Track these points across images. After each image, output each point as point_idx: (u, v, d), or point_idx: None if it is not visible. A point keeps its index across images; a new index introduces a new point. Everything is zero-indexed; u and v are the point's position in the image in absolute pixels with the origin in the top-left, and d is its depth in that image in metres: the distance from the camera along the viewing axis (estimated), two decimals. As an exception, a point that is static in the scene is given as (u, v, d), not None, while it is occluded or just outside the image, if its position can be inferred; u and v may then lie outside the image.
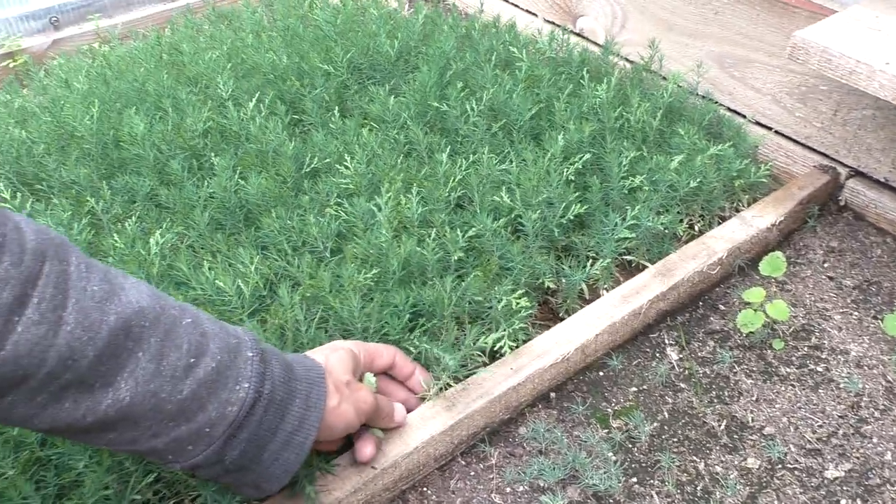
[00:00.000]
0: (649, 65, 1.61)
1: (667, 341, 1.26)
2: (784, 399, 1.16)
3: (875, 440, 1.10)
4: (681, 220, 1.38)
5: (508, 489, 1.05)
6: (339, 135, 1.43)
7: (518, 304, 1.14)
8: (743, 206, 1.46)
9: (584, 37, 1.94)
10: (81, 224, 1.23)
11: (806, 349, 1.24)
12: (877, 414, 1.13)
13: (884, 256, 1.39)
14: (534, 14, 2.07)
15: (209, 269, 1.13)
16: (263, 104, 1.48)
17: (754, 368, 1.21)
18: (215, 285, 1.10)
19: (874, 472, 1.06)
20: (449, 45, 1.60)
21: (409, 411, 1.06)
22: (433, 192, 1.26)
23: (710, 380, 1.20)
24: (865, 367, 1.20)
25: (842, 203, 1.50)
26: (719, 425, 1.13)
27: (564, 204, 1.25)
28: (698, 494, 1.04)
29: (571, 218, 1.25)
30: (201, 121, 1.43)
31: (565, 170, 1.28)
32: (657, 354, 1.24)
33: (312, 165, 1.36)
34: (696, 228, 1.42)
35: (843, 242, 1.43)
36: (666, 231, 1.33)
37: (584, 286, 1.28)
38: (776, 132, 1.58)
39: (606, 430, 1.12)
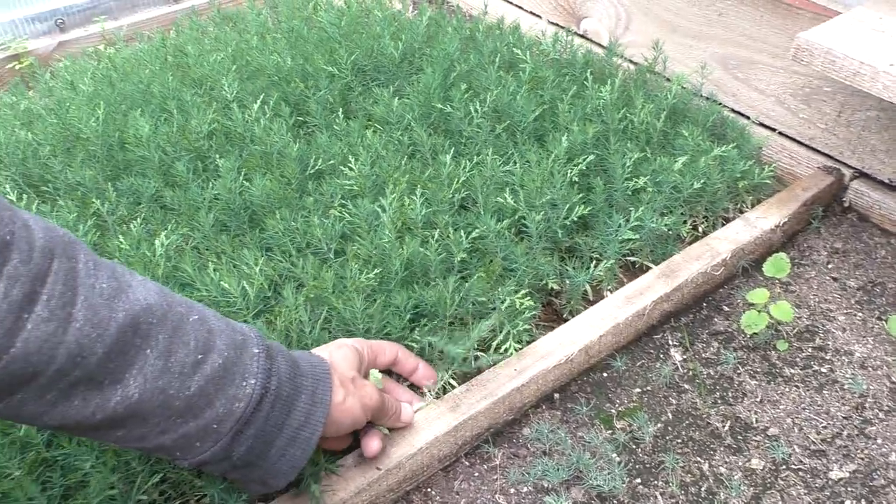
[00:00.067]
0: (653, 66, 1.61)
1: (670, 342, 1.26)
2: (788, 400, 1.16)
3: (879, 441, 1.09)
4: (684, 222, 1.38)
5: (512, 490, 1.05)
6: (344, 136, 1.43)
7: (522, 304, 1.14)
8: (747, 207, 1.46)
9: (587, 38, 1.94)
10: (87, 225, 1.23)
11: (810, 350, 1.23)
12: (881, 415, 1.13)
13: (888, 257, 1.39)
14: (538, 16, 2.07)
15: (214, 270, 1.14)
16: (268, 106, 1.48)
17: (758, 369, 1.21)
18: (220, 287, 1.10)
19: (878, 472, 1.06)
20: (453, 46, 1.61)
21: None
22: (437, 193, 1.26)
23: (713, 381, 1.20)
24: (870, 368, 1.20)
25: (846, 204, 1.50)
26: (723, 426, 1.13)
27: (568, 205, 1.26)
28: (702, 495, 1.04)
29: (575, 219, 1.25)
30: (206, 122, 1.44)
31: (569, 171, 1.29)
32: (661, 355, 1.24)
33: (317, 167, 1.36)
34: (700, 230, 1.42)
35: (848, 244, 1.43)
36: (669, 232, 1.34)
37: (587, 287, 1.28)
38: (780, 133, 1.58)
39: (610, 431, 1.12)
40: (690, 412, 1.15)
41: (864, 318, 1.28)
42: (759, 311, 1.23)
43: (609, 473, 1.05)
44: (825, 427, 1.12)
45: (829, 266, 1.39)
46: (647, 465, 1.08)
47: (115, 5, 2.16)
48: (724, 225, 1.39)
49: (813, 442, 1.10)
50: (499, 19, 1.82)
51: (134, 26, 2.15)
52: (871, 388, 1.17)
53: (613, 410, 1.15)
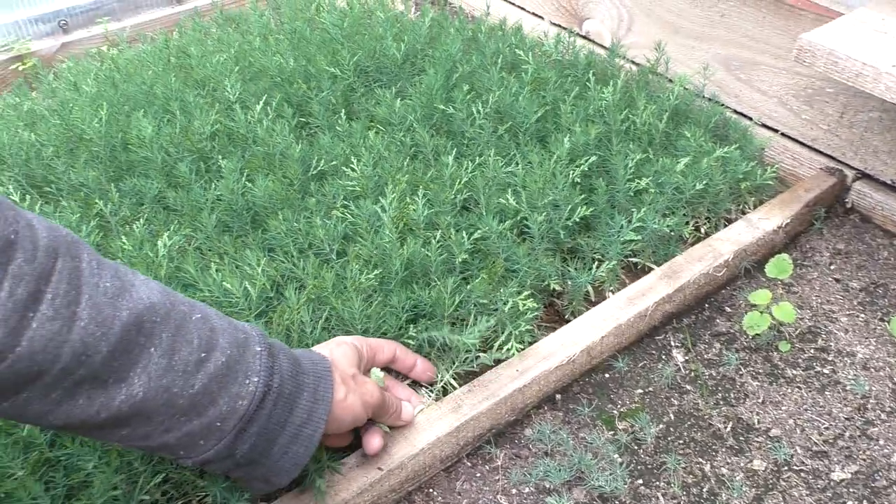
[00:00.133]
0: (655, 67, 1.61)
1: (673, 343, 1.26)
2: (790, 401, 1.16)
3: (882, 442, 1.09)
4: (687, 223, 1.38)
5: (514, 490, 1.05)
6: (346, 137, 1.44)
7: (524, 305, 1.14)
8: (749, 208, 1.46)
9: (590, 39, 1.94)
10: (90, 226, 1.24)
11: (812, 351, 1.23)
12: (883, 416, 1.13)
13: (890, 259, 1.39)
14: (540, 17, 2.07)
15: (216, 270, 1.14)
16: (270, 107, 1.48)
17: (760, 370, 1.21)
18: (223, 287, 1.11)
19: (881, 473, 1.05)
20: (455, 47, 1.61)
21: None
22: (439, 194, 1.26)
23: (716, 382, 1.20)
24: (872, 370, 1.20)
25: (848, 205, 1.50)
26: (725, 427, 1.13)
27: (570, 206, 1.26)
28: (704, 496, 1.04)
29: (577, 220, 1.25)
30: (209, 124, 1.44)
31: (571, 172, 1.29)
32: (663, 356, 1.24)
33: (319, 168, 1.36)
34: (703, 231, 1.42)
35: (850, 245, 1.43)
36: (672, 233, 1.34)
37: (589, 288, 1.28)
38: (782, 134, 1.58)
39: (612, 432, 1.12)
40: (692, 413, 1.15)
41: (866, 320, 1.28)
42: (761, 312, 1.23)
43: (611, 474, 1.05)
44: (827, 428, 1.12)
45: (832, 267, 1.39)
46: (649, 466, 1.08)
47: (118, 6, 2.17)
48: (726, 226, 1.39)
49: (815, 443, 1.10)
50: (501, 20, 1.82)
51: (137, 27, 2.15)
52: (874, 389, 1.17)
53: (615, 411, 1.15)
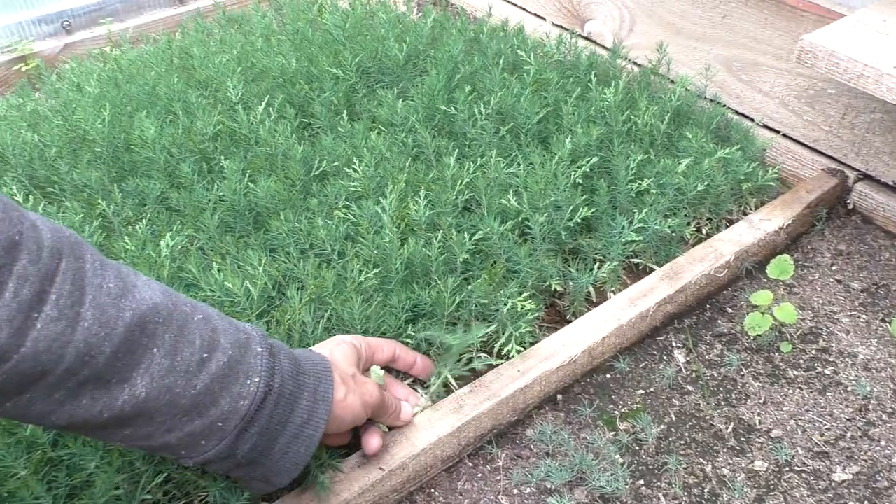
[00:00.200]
0: (657, 68, 1.61)
1: (674, 344, 1.26)
2: (792, 402, 1.16)
3: (883, 443, 1.09)
4: (688, 224, 1.38)
5: (515, 491, 1.05)
6: (348, 138, 1.44)
7: (524, 306, 1.14)
8: (751, 209, 1.46)
9: (592, 40, 1.94)
10: (93, 226, 1.24)
11: (814, 352, 1.23)
12: (885, 417, 1.13)
13: (892, 260, 1.39)
14: (542, 18, 2.07)
15: (218, 270, 1.14)
16: (273, 108, 1.49)
17: (762, 371, 1.21)
18: (224, 287, 1.11)
19: (882, 474, 1.06)
20: (457, 48, 1.61)
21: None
22: (441, 195, 1.26)
23: (717, 382, 1.20)
24: (873, 370, 1.20)
25: (850, 206, 1.50)
26: (726, 428, 1.13)
27: (572, 207, 1.26)
28: (705, 497, 1.04)
29: (579, 221, 1.26)
30: (211, 124, 1.44)
31: (573, 173, 1.29)
32: (664, 357, 1.24)
33: (321, 168, 1.37)
34: (704, 231, 1.42)
35: (852, 246, 1.43)
36: (673, 234, 1.34)
37: (591, 289, 1.28)
38: (784, 135, 1.58)
39: (613, 433, 1.12)
40: (694, 414, 1.15)
41: (867, 321, 1.28)
42: (762, 313, 1.23)
43: (612, 474, 1.05)
44: (828, 429, 1.12)
45: (833, 268, 1.39)
46: (651, 467, 1.08)
47: (121, 7, 2.17)
48: (727, 227, 1.39)
49: (816, 444, 1.10)
50: (503, 21, 1.82)
51: (140, 28, 2.15)
52: (875, 390, 1.17)
53: (616, 412, 1.16)
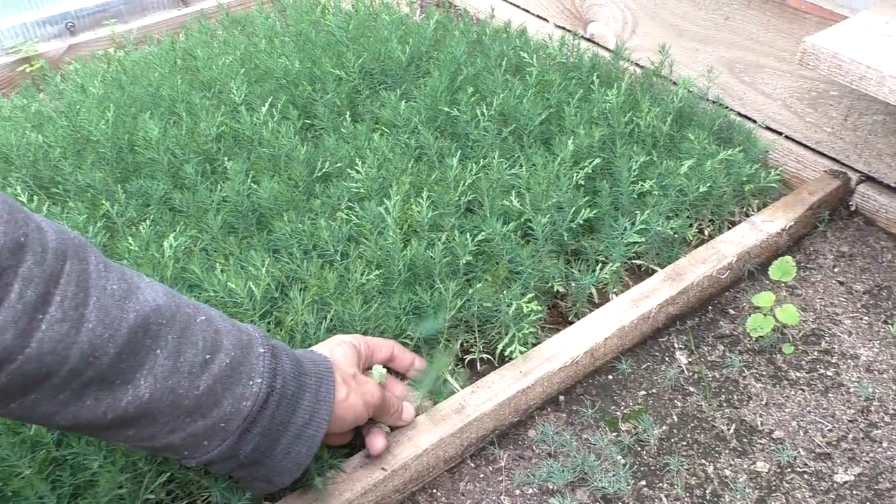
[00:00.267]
0: (660, 70, 1.61)
1: (676, 345, 1.26)
2: (794, 403, 1.16)
3: (885, 444, 1.10)
4: (690, 225, 1.39)
5: (517, 491, 1.05)
6: (351, 139, 1.44)
7: (528, 308, 1.14)
8: (753, 210, 1.46)
9: (594, 42, 1.95)
10: (97, 227, 1.25)
11: (816, 353, 1.24)
12: (887, 418, 1.13)
13: (894, 261, 1.39)
14: (545, 19, 2.07)
15: (221, 271, 1.14)
16: (276, 109, 1.49)
17: (764, 372, 1.21)
18: (227, 288, 1.11)
19: (884, 476, 1.06)
20: (460, 50, 1.61)
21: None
22: (443, 196, 1.26)
23: (719, 384, 1.20)
24: (875, 372, 1.20)
25: (852, 208, 1.50)
26: (728, 429, 1.13)
27: (574, 208, 1.26)
28: (707, 498, 1.04)
29: (581, 222, 1.26)
30: (215, 125, 1.45)
31: (575, 174, 1.29)
32: (666, 358, 1.24)
33: (324, 170, 1.37)
34: (706, 233, 1.42)
35: (854, 247, 1.43)
36: (675, 235, 1.34)
37: (593, 290, 1.28)
38: (786, 137, 1.59)
39: (615, 433, 1.13)
40: (695, 415, 1.15)
41: (870, 322, 1.28)
42: (764, 315, 1.23)
43: (614, 475, 1.06)
44: (830, 430, 1.12)
45: (836, 270, 1.39)
46: (652, 468, 1.08)
47: (124, 9, 2.18)
48: (729, 228, 1.39)
49: (818, 445, 1.10)
50: (506, 23, 1.83)
51: (143, 30, 2.16)
52: (877, 391, 1.17)
53: (618, 413, 1.16)
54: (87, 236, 1.23)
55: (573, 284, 1.26)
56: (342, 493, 0.97)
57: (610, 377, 1.21)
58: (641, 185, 1.33)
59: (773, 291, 1.27)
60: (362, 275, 1.13)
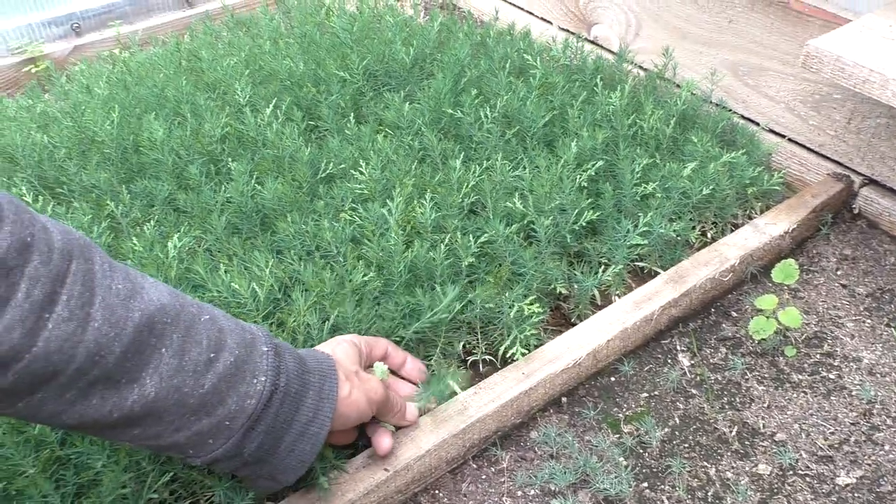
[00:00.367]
0: (663, 72, 1.62)
1: (678, 347, 1.27)
2: (796, 406, 1.16)
3: (887, 447, 1.10)
4: (693, 227, 1.39)
5: (520, 493, 1.05)
6: (355, 141, 1.45)
7: (529, 310, 1.15)
8: (756, 213, 1.46)
9: (598, 44, 1.95)
10: (101, 227, 1.25)
11: (818, 356, 1.24)
12: (889, 421, 1.13)
13: (897, 265, 1.39)
14: (548, 22, 2.08)
15: (225, 272, 1.15)
16: (280, 110, 1.50)
17: (766, 375, 1.21)
18: (231, 288, 1.12)
19: (886, 479, 1.06)
20: (464, 52, 1.62)
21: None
22: (447, 197, 1.27)
23: (721, 386, 1.20)
24: (878, 375, 1.20)
25: (855, 211, 1.50)
26: (730, 431, 1.13)
27: (577, 210, 1.26)
28: (709, 500, 1.04)
29: (584, 224, 1.26)
30: (219, 126, 1.45)
31: (578, 176, 1.29)
32: (669, 360, 1.24)
33: (328, 171, 1.38)
34: (709, 235, 1.42)
35: (857, 250, 1.43)
36: (678, 238, 1.34)
37: (596, 292, 1.28)
38: (790, 140, 1.59)
39: (618, 435, 1.13)
40: (698, 417, 1.15)
41: (872, 325, 1.28)
42: (767, 317, 1.23)
43: (616, 477, 1.06)
44: (832, 433, 1.12)
45: (838, 273, 1.39)
46: (654, 470, 1.08)
47: (130, 10, 2.19)
48: (732, 231, 1.39)
49: (820, 448, 1.10)
50: (509, 25, 1.83)
51: (149, 31, 2.17)
52: (879, 394, 1.17)
53: (621, 414, 1.16)
54: (92, 237, 1.23)
55: (576, 286, 1.26)
56: (345, 493, 0.98)
57: (612, 379, 1.21)
58: (644, 188, 1.33)
59: (775, 294, 1.27)
60: (363, 276, 1.14)
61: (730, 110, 1.58)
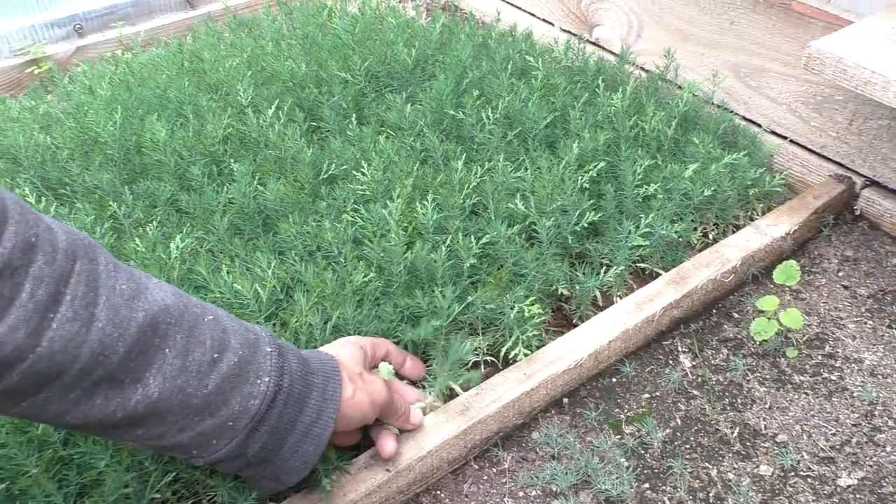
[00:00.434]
0: (665, 74, 1.62)
1: (680, 348, 1.27)
2: (797, 407, 1.16)
3: (889, 449, 1.10)
4: (695, 229, 1.39)
5: (521, 493, 1.06)
6: (357, 142, 1.45)
7: (531, 311, 1.15)
8: (757, 214, 1.46)
9: (600, 46, 1.95)
10: (104, 228, 1.25)
11: (820, 357, 1.24)
12: (890, 423, 1.13)
13: (899, 266, 1.39)
14: (550, 23, 2.08)
15: (227, 272, 1.15)
16: (282, 111, 1.50)
17: (767, 376, 1.21)
18: (233, 289, 1.12)
19: (887, 480, 1.06)
20: (465, 53, 1.62)
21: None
22: (448, 198, 1.27)
23: (723, 387, 1.20)
24: (879, 376, 1.20)
25: (857, 212, 1.50)
26: (732, 432, 1.13)
27: (578, 211, 1.26)
28: (710, 501, 1.04)
29: (585, 225, 1.26)
30: (221, 127, 1.45)
31: (580, 178, 1.29)
32: (670, 361, 1.25)
33: (330, 172, 1.38)
34: (710, 237, 1.42)
35: (858, 252, 1.43)
36: (680, 239, 1.34)
37: (597, 293, 1.28)
38: (791, 141, 1.59)
39: (619, 436, 1.13)
40: (699, 418, 1.15)
41: (874, 327, 1.28)
42: (768, 319, 1.23)
43: (617, 478, 1.06)
44: (834, 434, 1.12)
45: (840, 274, 1.39)
46: (656, 471, 1.08)
47: (132, 11, 2.19)
48: (734, 232, 1.39)
49: (822, 449, 1.10)
50: (511, 26, 1.83)
51: (151, 32, 2.17)
52: (881, 395, 1.17)
53: (622, 415, 1.16)
54: (95, 237, 1.24)
55: (577, 287, 1.26)
56: (346, 493, 0.98)
57: (614, 380, 1.22)
58: (646, 189, 1.33)
59: (777, 295, 1.27)
60: (364, 276, 1.14)
61: (731, 112, 1.58)
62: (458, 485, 1.07)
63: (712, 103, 1.60)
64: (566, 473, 1.06)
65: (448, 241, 1.19)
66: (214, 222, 1.27)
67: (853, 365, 1.22)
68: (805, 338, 1.27)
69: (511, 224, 1.24)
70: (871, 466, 1.07)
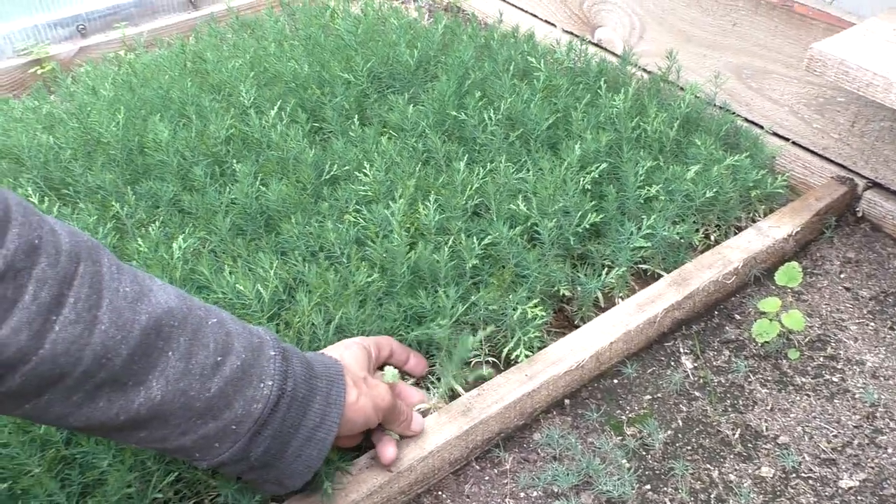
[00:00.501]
0: (667, 75, 1.62)
1: (681, 350, 1.27)
2: (799, 408, 1.16)
3: (890, 450, 1.10)
4: (696, 230, 1.39)
5: (522, 494, 1.06)
6: (359, 143, 1.45)
7: (533, 312, 1.15)
8: (759, 216, 1.46)
9: (602, 47, 1.95)
10: (106, 228, 1.26)
11: (821, 359, 1.24)
12: (892, 424, 1.13)
13: (901, 268, 1.39)
14: (552, 24, 2.08)
15: (230, 273, 1.15)
16: (285, 112, 1.50)
17: (769, 378, 1.21)
18: (236, 289, 1.12)
19: (889, 482, 1.06)
20: (468, 54, 1.62)
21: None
22: (450, 199, 1.27)
23: (724, 388, 1.20)
24: (881, 378, 1.20)
25: (859, 214, 1.50)
26: (733, 434, 1.13)
27: (580, 213, 1.26)
28: (712, 502, 1.04)
29: (587, 226, 1.26)
30: (224, 128, 1.46)
31: (582, 179, 1.30)
32: (672, 363, 1.25)
33: (332, 173, 1.38)
34: (712, 238, 1.42)
35: (860, 253, 1.43)
36: (681, 240, 1.34)
37: (599, 294, 1.28)
38: (794, 143, 1.59)
39: (620, 437, 1.13)
40: (701, 419, 1.15)
41: (875, 328, 1.28)
42: (770, 320, 1.23)
43: (619, 479, 1.06)
44: (835, 436, 1.12)
45: (842, 276, 1.39)
46: (657, 472, 1.08)
47: (135, 12, 2.20)
48: (736, 234, 1.39)
49: (823, 450, 1.10)
50: (513, 28, 1.83)
51: (154, 32, 2.18)
52: (883, 397, 1.17)
53: (624, 417, 1.16)
54: (98, 238, 1.24)
55: (579, 288, 1.26)
56: (348, 494, 0.98)
57: (615, 381, 1.22)
58: (648, 190, 1.33)
59: (779, 297, 1.27)
60: (367, 276, 1.14)
61: (733, 113, 1.58)
62: (460, 485, 1.08)
63: (714, 105, 1.60)
64: (567, 474, 1.06)
65: (450, 242, 1.19)
66: (217, 223, 1.28)
67: (855, 367, 1.22)
68: (807, 339, 1.27)
69: (513, 225, 1.24)
70: (872, 468, 1.08)
